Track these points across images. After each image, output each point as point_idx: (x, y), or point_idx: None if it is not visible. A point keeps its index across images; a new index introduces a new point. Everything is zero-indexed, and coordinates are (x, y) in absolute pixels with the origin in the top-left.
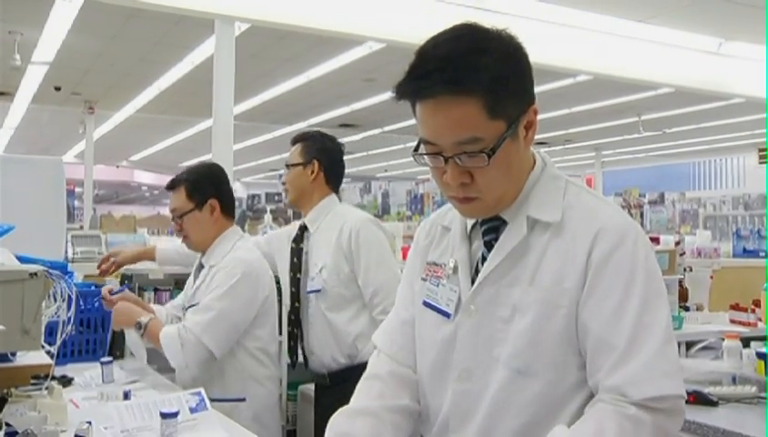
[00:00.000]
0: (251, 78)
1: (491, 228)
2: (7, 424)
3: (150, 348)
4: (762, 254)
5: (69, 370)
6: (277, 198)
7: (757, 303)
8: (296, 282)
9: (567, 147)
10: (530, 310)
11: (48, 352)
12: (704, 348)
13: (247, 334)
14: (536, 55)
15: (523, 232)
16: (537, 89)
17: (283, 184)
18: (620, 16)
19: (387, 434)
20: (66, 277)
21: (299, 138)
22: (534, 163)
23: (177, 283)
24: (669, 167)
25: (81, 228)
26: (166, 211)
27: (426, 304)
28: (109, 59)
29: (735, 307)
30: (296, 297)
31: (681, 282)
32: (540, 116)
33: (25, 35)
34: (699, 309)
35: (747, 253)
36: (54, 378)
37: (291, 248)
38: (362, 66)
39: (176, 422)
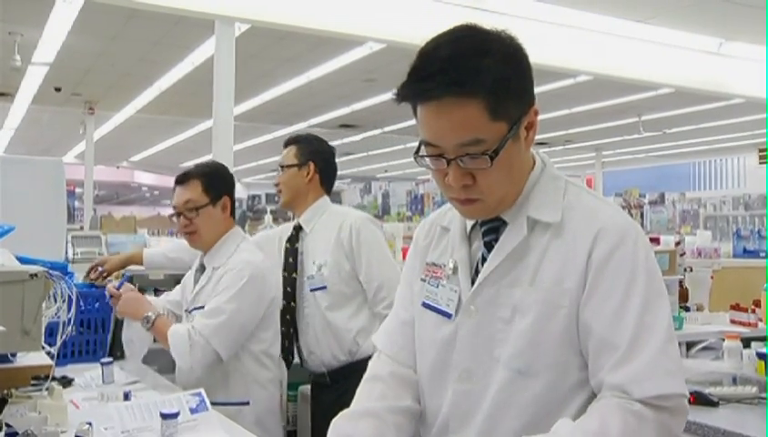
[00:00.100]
0: (251, 79)
1: (491, 229)
2: (8, 425)
3: (150, 348)
4: (763, 254)
5: (69, 370)
6: (277, 199)
7: (757, 303)
8: (291, 282)
9: (567, 147)
10: (530, 311)
11: (48, 353)
12: (705, 348)
13: (252, 337)
14: (536, 56)
15: (523, 233)
16: (537, 90)
17: (276, 185)
18: (619, 16)
19: (390, 436)
20: (67, 277)
21: (293, 141)
22: (534, 164)
23: (178, 283)
24: (669, 167)
25: (81, 228)
26: (166, 212)
27: (425, 305)
28: (109, 60)
29: (735, 307)
30: (291, 297)
31: (681, 282)
32: (540, 117)
33: (26, 35)
34: (699, 309)
35: (747, 253)
36: (54, 379)
37: (286, 248)
38: (362, 67)
39: (177, 423)
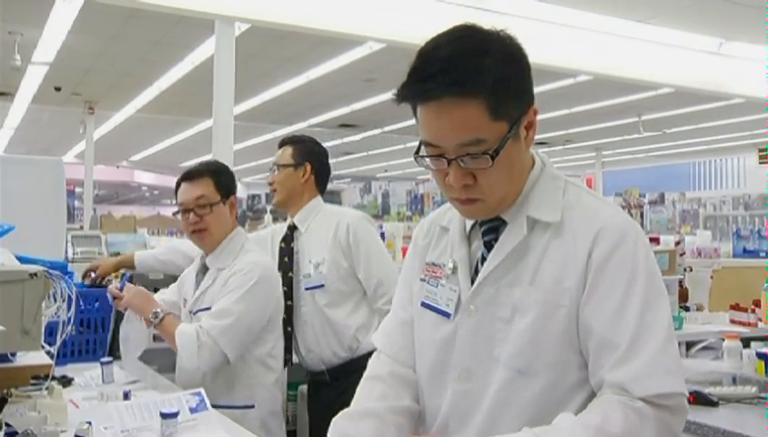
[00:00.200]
0: (251, 78)
1: (491, 229)
2: (7, 424)
3: (149, 348)
4: (763, 254)
5: (69, 370)
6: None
7: (757, 303)
8: (287, 281)
9: (567, 147)
10: (530, 310)
11: (48, 353)
12: (704, 348)
13: (258, 339)
14: (536, 56)
15: (523, 232)
16: (537, 89)
17: (270, 184)
18: (620, 16)
19: (390, 436)
20: (66, 277)
21: (289, 141)
22: (533, 163)
23: None
24: (669, 167)
25: (81, 228)
26: (166, 211)
27: (424, 305)
28: (109, 59)
29: (735, 307)
30: (287, 296)
31: (681, 282)
32: (540, 117)
33: (26, 35)
34: (699, 309)
35: (747, 253)
36: (54, 378)
37: (281, 247)
38: (362, 66)
39: (176, 423)
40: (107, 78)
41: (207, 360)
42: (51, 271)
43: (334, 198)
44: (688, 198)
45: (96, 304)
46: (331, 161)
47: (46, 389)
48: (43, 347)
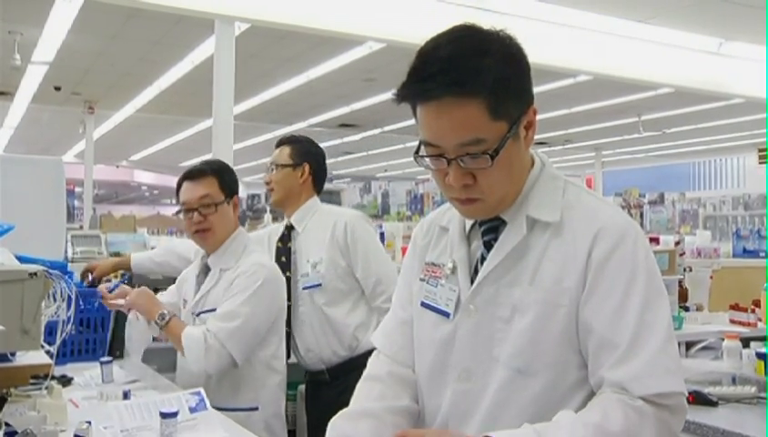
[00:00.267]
0: (251, 78)
1: (491, 229)
2: (7, 424)
3: (149, 348)
4: (762, 254)
5: (69, 369)
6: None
7: (757, 303)
8: (285, 281)
9: (567, 147)
10: (530, 310)
11: (48, 352)
12: (704, 348)
13: (263, 341)
14: (536, 56)
15: (523, 232)
16: (537, 89)
17: (267, 183)
18: (619, 16)
19: (388, 436)
20: (66, 277)
21: (287, 141)
22: (533, 163)
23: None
24: (669, 167)
25: (81, 227)
26: (165, 211)
27: (424, 305)
28: (109, 59)
29: (735, 307)
30: (286, 296)
31: (680, 282)
32: (540, 117)
33: (25, 34)
34: (699, 309)
35: (747, 253)
36: (53, 377)
37: (278, 247)
38: (362, 66)
39: (176, 422)
40: (107, 78)
41: (214, 363)
42: (50, 271)
43: (333, 197)
44: (688, 198)
45: (96, 304)
46: (331, 161)
47: (46, 388)
48: (42, 346)
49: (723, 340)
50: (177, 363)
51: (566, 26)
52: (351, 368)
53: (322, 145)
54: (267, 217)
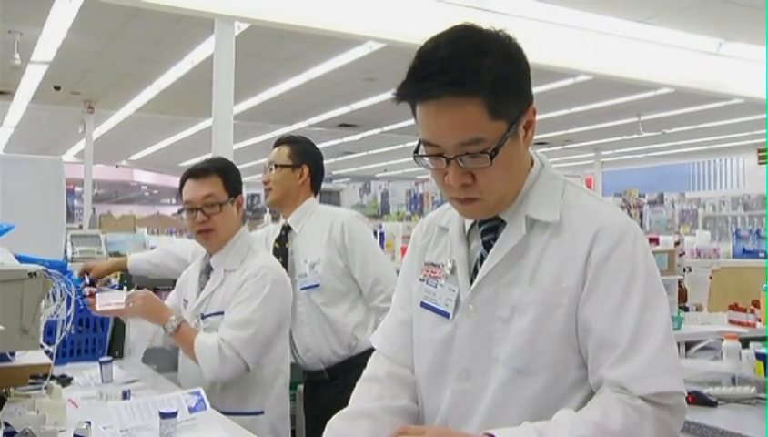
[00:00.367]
0: (251, 78)
1: (490, 229)
2: (6, 424)
3: (148, 347)
4: (762, 255)
5: (68, 369)
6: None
7: (756, 304)
8: None
9: (567, 147)
10: (529, 310)
11: (47, 352)
12: (703, 348)
13: (270, 344)
14: (536, 56)
15: (522, 232)
16: (537, 89)
17: (265, 183)
18: (619, 16)
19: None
20: (66, 276)
21: (287, 141)
22: (532, 163)
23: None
24: (668, 167)
25: (80, 227)
26: (165, 210)
27: (423, 305)
28: (109, 58)
29: (734, 307)
30: None
31: (680, 282)
32: (539, 117)
33: (25, 34)
34: (698, 309)
35: (746, 254)
36: (53, 377)
37: (275, 247)
38: (362, 66)
39: (176, 422)
40: (107, 77)
41: (229, 372)
42: (50, 271)
43: (333, 197)
44: (687, 199)
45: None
46: (331, 161)
47: (45, 388)
48: (42, 346)
49: (723, 340)
50: (180, 365)
51: (566, 26)
52: (351, 367)
53: (322, 145)
54: (267, 217)
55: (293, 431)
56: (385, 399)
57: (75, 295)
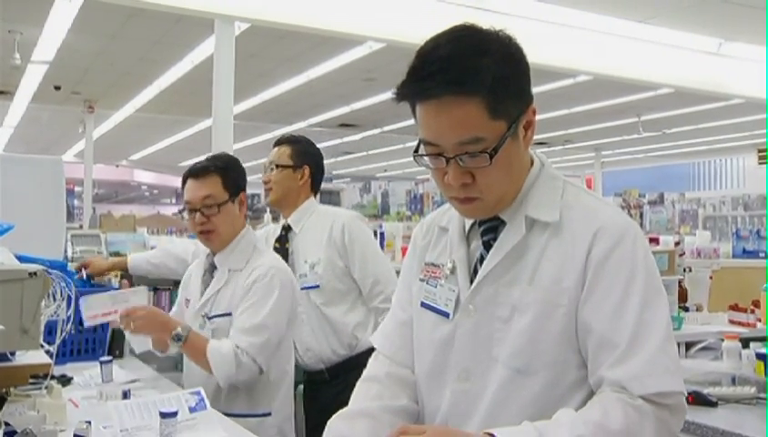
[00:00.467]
0: (251, 78)
1: (490, 229)
2: (6, 424)
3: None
4: (762, 255)
5: (68, 369)
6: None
7: (756, 304)
8: None
9: (567, 147)
10: (529, 310)
11: (47, 352)
12: (704, 348)
13: (278, 345)
14: (536, 56)
15: (522, 232)
16: (537, 89)
17: (265, 183)
18: (619, 17)
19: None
20: (66, 276)
21: (287, 141)
22: (532, 163)
23: (176, 283)
24: (669, 167)
25: (81, 227)
26: (165, 210)
27: (424, 305)
28: (109, 58)
29: (735, 307)
30: None
31: (680, 283)
32: (539, 117)
33: (25, 34)
34: (698, 309)
35: (747, 254)
36: (53, 377)
37: (275, 247)
38: (362, 66)
39: (176, 422)
40: (107, 77)
41: (245, 377)
42: (50, 270)
43: (333, 197)
44: (687, 199)
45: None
46: (331, 161)
47: (46, 388)
48: (42, 346)
49: (723, 340)
50: (184, 366)
51: (566, 26)
52: (351, 367)
53: (322, 145)
54: (267, 216)
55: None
56: (384, 398)
57: (76, 295)
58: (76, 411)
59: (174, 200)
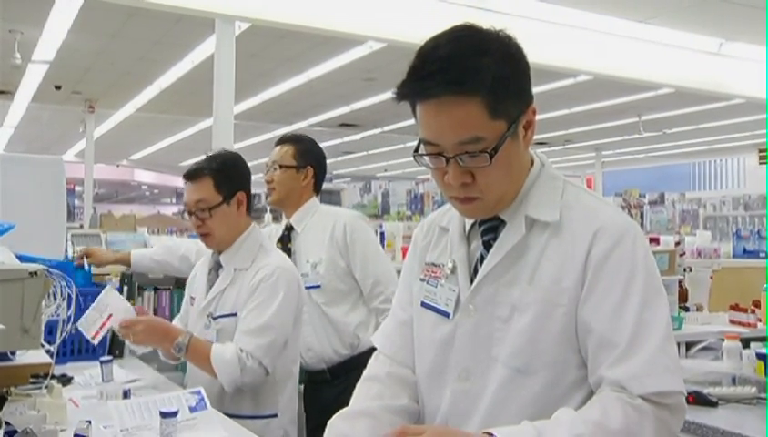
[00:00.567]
0: (251, 78)
1: (490, 228)
2: (7, 423)
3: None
4: (762, 255)
5: (69, 369)
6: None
7: (757, 304)
8: None
9: (567, 147)
10: (529, 310)
11: (48, 351)
12: (704, 348)
13: (284, 346)
14: (536, 56)
15: (522, 232)
16: (537, 89)
17: (268, 182)
18: (620, 16)
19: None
20: (66, 276)
21: (290, 139)
22: (532, 163)
23: (177, 283)
24: (669, 167)
25: (81, 227)
26: (166, 210)
27: (424, 305)
28: (109, 58)
29: (735, 307)
30: None
31: (680, 283)
32: (539, 117)
33: (26, 33)
34: (699, 309)
35: (747, 254)
36: (53, 377)
37: (278, 248)
38: (362, 66)
39: (176, 422)
40: (107, 77)
41: (250, 380)
42: (51, 270)
43: (334, 197)
44: (688, 199)
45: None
46: (331, 161)
47: (46, 387)
48: (42, 346)
49: (723, 340)
50: (188, 368)
51: (566, 26)
52: (352, 367)
53: (322, 145)
54: (268, 216)
55: None
56: (385, 398)
57: (76, 295)
58: (77, 410)
59: (174, 200)
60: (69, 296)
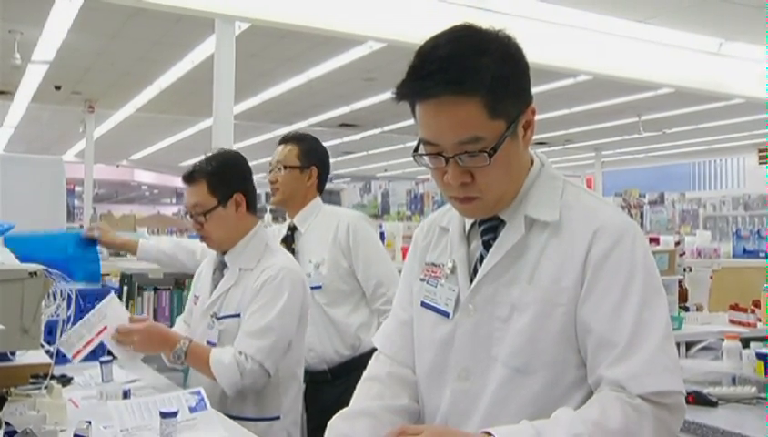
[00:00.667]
0: (251, 78)
1: (490, 228)
2: (7, 423)
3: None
4: (762, 254)
5: (69, 369)
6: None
7: (757, 304)
8: None
9: (567, 147)
10: (528, 309)
11: (48, 352)
12: (704, 348)
13: (288, 348)
14: (536, 56)
15: (521, 231)
16: (537, 89)
17: (272, 182)
18: (620, 16)
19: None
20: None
21: (294, 139)
22: (532, 163)
23: (177, 282)
24: (669, 167)
25: (81, 227)
26: (166, 210)
27: (424, 305)
28: (109, 58)
29: (735, 307)
30: None
31: (680, 282)
32: (539, 116)
33: (26, 33)
34: (699, 309)
35: (747, 253)
36: (53, 377)
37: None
38: (362, 66)
39: (176, 422)
40: (107, 77)
41: (251, 383)
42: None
43: (334, 197)
44: (688, 199)
45: (96, 303)
46: (331, 161)
47: (46, 388)
48: (42, 346)
49: (723, 340)
50: (190, 371)
51: (566, 26)
52: (354, 367)
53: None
54: (268, 216)
55: None
56: (385, 398)
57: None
58: (77, 410)
59: (174, 200)
60: (69, 296)
